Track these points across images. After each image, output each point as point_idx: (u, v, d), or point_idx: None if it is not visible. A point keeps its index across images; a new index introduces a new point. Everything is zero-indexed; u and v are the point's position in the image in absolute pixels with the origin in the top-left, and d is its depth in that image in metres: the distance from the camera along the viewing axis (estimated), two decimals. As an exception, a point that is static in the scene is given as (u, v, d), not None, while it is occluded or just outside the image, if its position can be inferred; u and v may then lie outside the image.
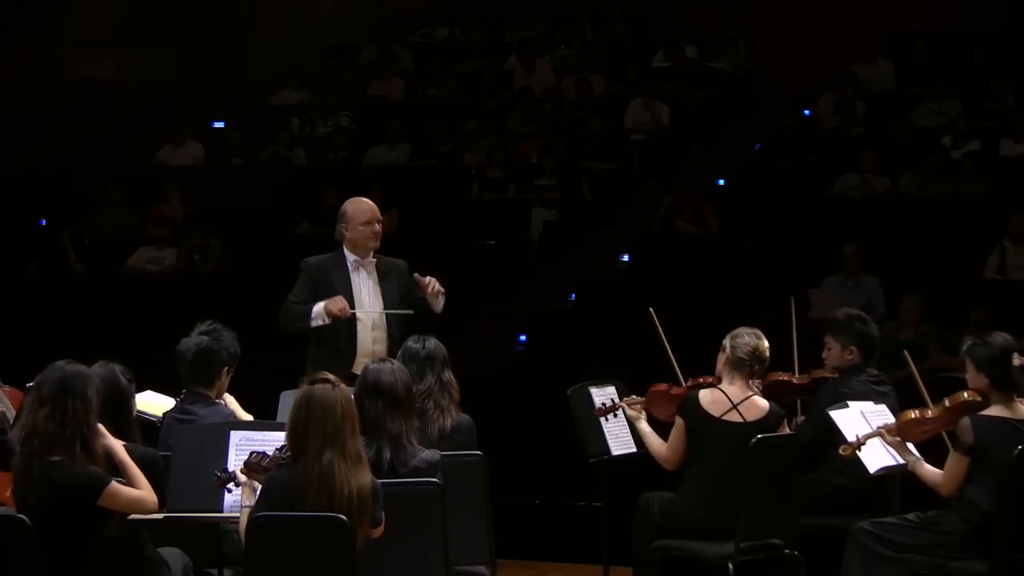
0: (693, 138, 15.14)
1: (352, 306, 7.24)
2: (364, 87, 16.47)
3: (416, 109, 15.79)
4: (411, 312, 7.29)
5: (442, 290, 7.29)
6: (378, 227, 7.38)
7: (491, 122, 14.89)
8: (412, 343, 6.42)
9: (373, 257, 7.39)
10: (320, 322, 7.16)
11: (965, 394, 6.34)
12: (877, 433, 6.41)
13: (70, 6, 16.11)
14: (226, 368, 6.36)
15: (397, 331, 7.21)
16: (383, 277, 7.37)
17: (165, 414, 6.67)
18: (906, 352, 7.16)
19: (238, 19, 17.18)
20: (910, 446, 6.51)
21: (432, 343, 6.42)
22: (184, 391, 6.37)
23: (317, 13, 18.08)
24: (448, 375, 6.36)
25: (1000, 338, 6.32)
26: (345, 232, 7.40)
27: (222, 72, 16.58)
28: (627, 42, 16.75)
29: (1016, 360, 6.25)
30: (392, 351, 7.05)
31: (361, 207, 7.42)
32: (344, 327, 7.21)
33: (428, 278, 7.29)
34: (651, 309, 7.23)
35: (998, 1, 15.21)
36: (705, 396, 6.52)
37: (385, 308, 7.30)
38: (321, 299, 7.21)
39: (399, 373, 5.72)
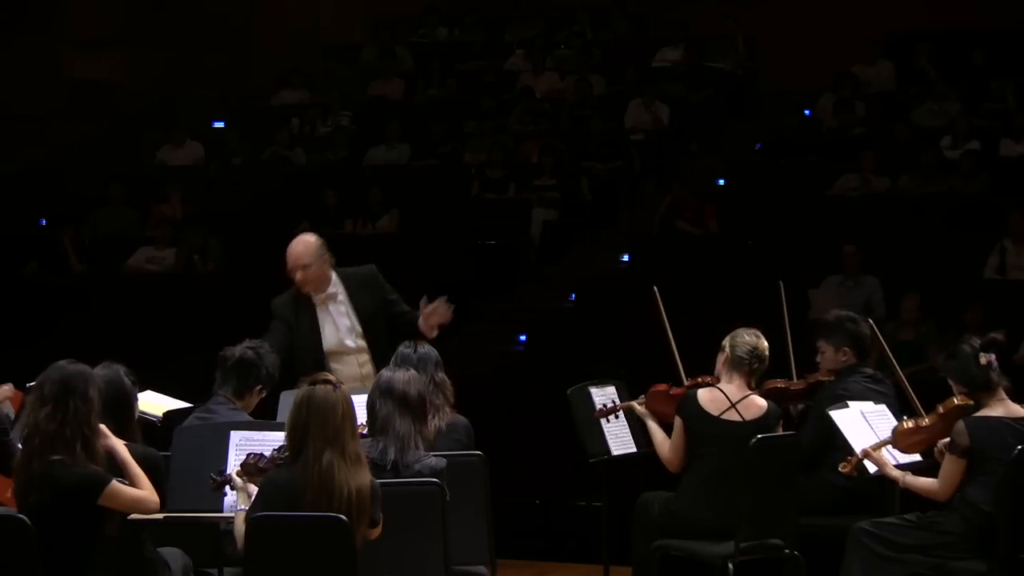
0: (693, 138, 15.15)
1: (322, 347, 7.21)
2: (364, 87, 16.47)
3: (416, 109, 15.79)
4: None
5: (439, 323, 7.20)
6: (300, 275, 7.24)
7: (491, 122, 14.88)
8: (404, 348, 6.42)
9: (334, 286, 7.32)
10: None
11: (956, 399, 6.34)
12: (864, 454, 6.42)
13: (70, 6, 16.11)
14: (259, 387, 6.35)
15: (382, 344, 7.19)
16: (353, 294, 7.32)
17: (165, 414, 6.67)
18: (891, 358, 7.13)
19: (238, 19, 17.18)
20: (898, 459, 6.51)
21: (424, 348, 6.43)
22: (213, 396, 6.37)
23: (317, 13, 18.08)
24: (441, 376, 6.37)
25: (965, 346, 6.33)
26: None
27: (222, 72, 16.58)
28: (627, 42, 16.75)
29: (983, 359, 6.26)
30: (381, 363, 7.07)
31: (288, 254, 7.30)
32: (310, 361, 7.15)
33: (435, 306, 7.20)
34: (655, 288, 7.14)
35: (998, 1, 15.21)
36: (703, 395, 6.52)
37: (360, 321, 7.25)
38: (295, 338, 7.18)
39: (413, 380, 5.75)
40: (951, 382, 6.38)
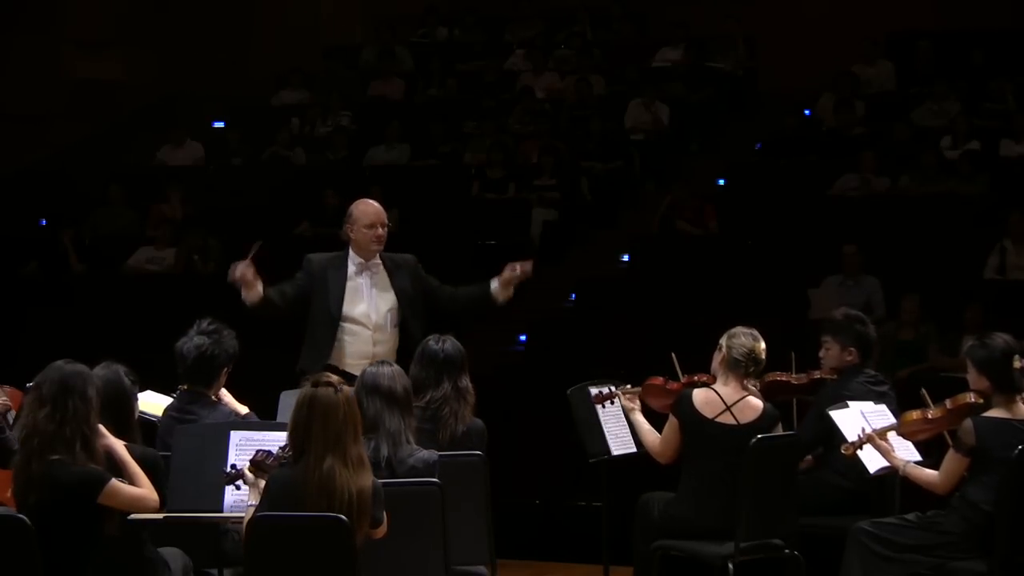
0: (693, 138, 15.14)
1: (341, 308, 7.23)
2: (364, 87, 16.47)
3: (416, 109, 15.79)
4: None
5: (518, 277, 7.33)
6: (382, 231, 7.33)
7: (491, 122, 14.88)
8: (433, 343, 6.41)
9: (379, 259, 7.38)
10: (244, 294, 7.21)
11: (968, 396, 6.34)
12: (868, 438, 6.41)
13: (70, 6, 16.11)
14: (225, 368, 6.37)
15: (415, 325, 7.23)
16: (392, 275, 7.35)
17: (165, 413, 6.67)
18: (924, 391, 7.05)
19: (238, 19, 17.19)
20: (903, 447, 6.52)
21: (450, 344, 6.40)
22: (180, 389, 6.37)
23: (317, 13, 18.08)
24: (465, 381, 6.36)
25: (1000, 340, 6.32)
26: (350, 233, 7.38)
27: (222, 72, 16.58)
28: (627, 42, 16.75)
29: (1017, 363, 6.25)
30: (406, 349, 7.08)
31: (367, 210, 7.38)
32: (326, 329, 7.21)
33: (514, 275, 7.32)
34: (673, 355, 7.15)
35: (998, 1, 15.21)
36: (698, 396, 6.52)
37: (399, 303, 7.30)
38: (312, 295, 7.24)
39: (397, 374, 5.76)
40: (971, 368, 6.34)
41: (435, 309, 7.33)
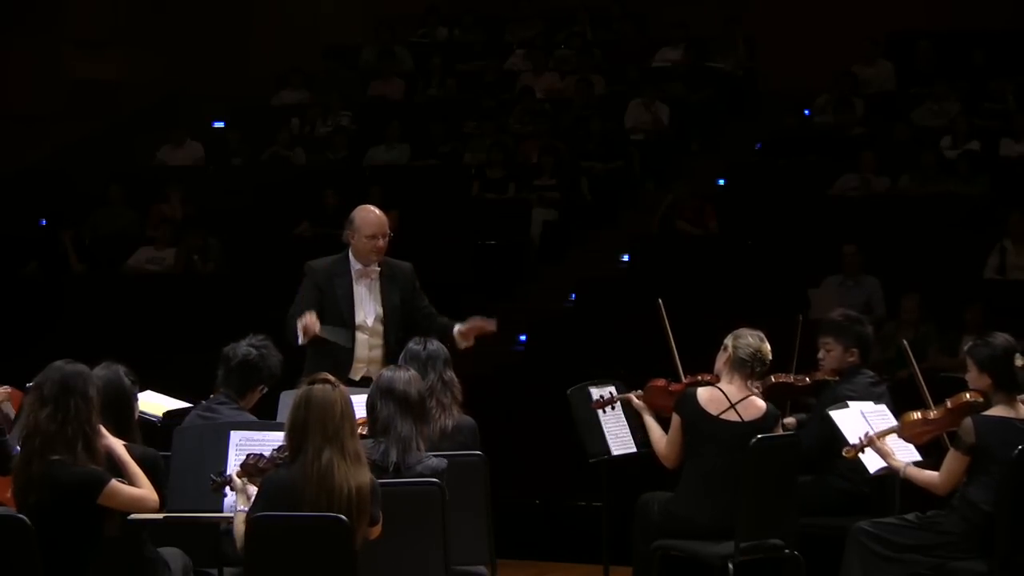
0: (693, 138, 15.14)
1: (353, 316, 7.25)
2: (364, 87, 16.47)
3: (416, 109, 15.79)
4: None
5: (479, 329, 7.31)
6: (382, 243, 7.30)
7: (491, 122, 14.89)
8: (414, 344, 6.46)
9: (378, 265, 7.37)
10: (301, 340, 7.07)
11: (967, 395, 6.34)
12: (869, 441, 6.42)
13: (70, 6, 16.12)
14: (262, 386, 6.36)
15: (393, 338, 7.23)
16: (386, 285, 7.35)
17: (165, 414, 6.67)
18: (905, 342, 7.14)
19: (238, 19, 17.18)
20: (903, 447, 6.52)
21: (434, 344, 6.47)
22: (211, 396, 6.36)
23: (317, 13, 18.07)
24: (450, 375, 6.39)
25: (1002, 339, 6.33)
26: (350, 239, 7.36)
27: (222, 72, 16.58)
28: (627, 42, 16.76)
29: (1019, 361, 6.26)
30: (388, 358, 7.08)
31: (369, 218, 7.33)
32: (342, 333, 7.21)
33: (477, 326, 7.29)
34: (660, 301, 7.18)
35: (998, 1, 15.21)
36: (703, 394, 6.53)
37: (385, 314, 7.30)
38: (325, 306, 7.20)
39: (414, 380, 5.77)
40: (972, 367, 6.33)
41: (410, 326, 7.30)
